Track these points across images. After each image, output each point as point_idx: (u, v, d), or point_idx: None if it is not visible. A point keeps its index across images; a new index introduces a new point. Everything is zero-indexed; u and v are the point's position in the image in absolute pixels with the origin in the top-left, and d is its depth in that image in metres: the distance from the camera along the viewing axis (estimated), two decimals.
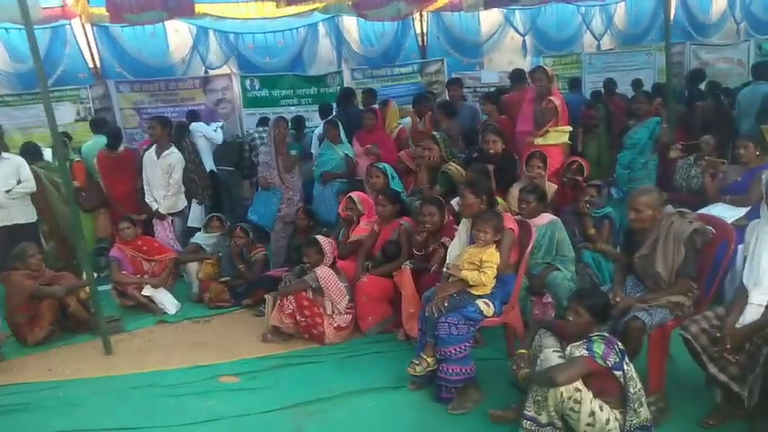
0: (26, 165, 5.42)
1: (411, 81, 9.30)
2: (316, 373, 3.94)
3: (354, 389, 3.64)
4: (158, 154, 5.85)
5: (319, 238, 4.46)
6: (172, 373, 4.09)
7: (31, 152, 5.93)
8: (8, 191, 5.20)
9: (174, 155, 5.88)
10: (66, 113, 8.17)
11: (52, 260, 5.65)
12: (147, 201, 5.94)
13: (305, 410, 3.46)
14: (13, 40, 7.87)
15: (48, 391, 3.92)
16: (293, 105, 8.78)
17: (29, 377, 4.16)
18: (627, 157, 5.56)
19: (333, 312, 4.28)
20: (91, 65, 8.35)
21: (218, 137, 7.17)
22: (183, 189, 5.97)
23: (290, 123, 6.47)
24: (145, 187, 5.95)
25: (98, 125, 7.14)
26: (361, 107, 7.05)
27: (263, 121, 7.65)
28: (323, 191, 6.03)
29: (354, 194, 4.94)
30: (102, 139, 6.58)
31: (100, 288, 5.34)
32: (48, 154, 6.41)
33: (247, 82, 8.69)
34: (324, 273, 4.25)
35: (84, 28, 8.09)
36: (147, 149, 6.03)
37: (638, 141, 5.47)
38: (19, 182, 5.28)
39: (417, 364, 3.39)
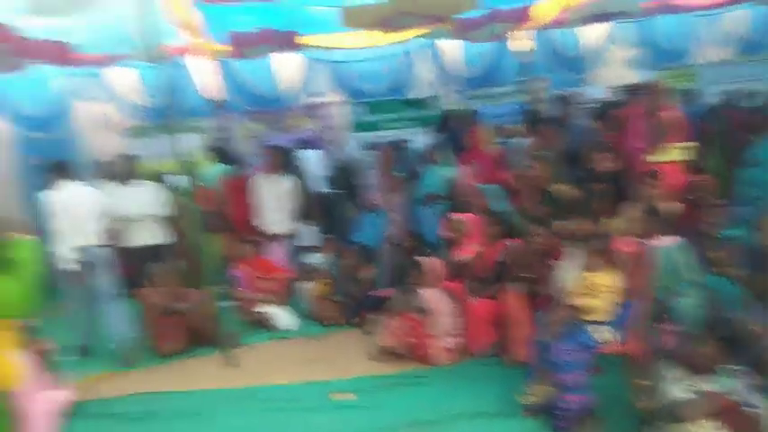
0: (163, 190, 5.97)
1: (513, 100, 9.23)
2: (427, 393, 4.00)
3: (464, 411, 3.67)
4: (271, 179, 6.24)
5: (423, 259, 4.54)
6: (289, 387, 4.31)
7: (163, 179, 6.53)
8: (147, 214, 5.75)
9: (286, 179, 6.25)
10: (191, 143, 8.89)
11: (183, 278, 6.16)
12: (260, 224, 6.31)
13: (420, 430, 3.53)
14: (148, 77, 8.68)
15: (175, 400, 4.27)
16: (395, 129, 8.99)
17: (159, 386, 4.52)
18: (752, 174, 5.21)
19: (441, 334, 4.33)
20: (212, 96, 9.00)
21: (321, 163, 7.53)
22: (295, 212, 6.29)
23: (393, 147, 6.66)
24: (258, 211, 6.34)
25: (218, 153, 7.71)
26: (460, 129, 7.10)
27: (368, 146, 7.94)
28: (425, 212, 6.13)
29: (456, 215, 4.99)
30: (221, 167, 7.11)
31: (223, 304, 5.77)
32: (176, 180, 7.04)
33: (353, 108, 9.03)
34: (430, 294, 4.33)
35: (206, 64, 8.77)
36: (259, 175, 6.44)
37: (764, 157, 5.12)
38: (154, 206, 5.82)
39: (531, 394, 3.35)
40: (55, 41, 6.39)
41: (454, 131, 6.93)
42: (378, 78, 9.25)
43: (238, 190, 6.54)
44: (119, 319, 4.99)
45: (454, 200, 5.98)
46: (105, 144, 8.73)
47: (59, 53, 6.59)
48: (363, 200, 6.41)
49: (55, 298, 5.00)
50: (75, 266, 4.95)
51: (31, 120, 8.34)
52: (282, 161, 6.42)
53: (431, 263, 4.58)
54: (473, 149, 6.19)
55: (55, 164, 5.24)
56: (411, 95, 9.34)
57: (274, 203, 6.19)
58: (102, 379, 4.78)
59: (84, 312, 5.09)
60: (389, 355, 4.53)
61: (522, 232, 4.60)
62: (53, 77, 8.20)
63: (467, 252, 4.84)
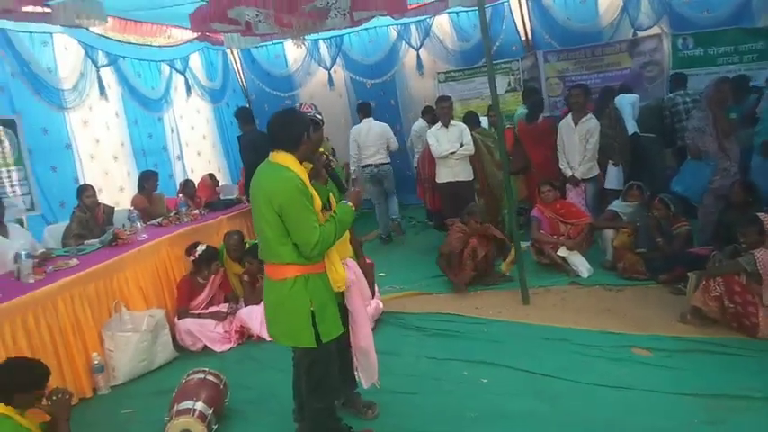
0: (468, 131, 6.28)
1: None
2: (743, 367, 3.50)
3: None
4: (575, 121, 5.98)
5: (763, 216, 3.86)
6: (584, 333, 4.21)
7: (471, 120, 6.84)
8: (453, 152, 6.13)
9: (591, 121, 5.93)
10: (498, 85, 9.04)
11: (481, 215, 6.47)
12: (561, 167, 6.17)
13: (723, 404, 3.15)
14: (462, 22, 9.05)
15: (474, 325, 4.58)
16: (733, 64, 7.67)
17: (460, 310, 4.90)
18: None
19: None
20: (523, 37, 8.95)
21: (638, 105, 6.94)
22: (597, 156, 5.96)
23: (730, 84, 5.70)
24: (559, 154, 6.18)
25: (527, 95, 7.69)
26: None
27: (679, 84, 7.04)
28: (763, 162, 5.16)
29: None
30: (527, 108, 7.12)
31: (522, 245, 5.89)
32: (484, 122, 7.30)
33: (679, 41, 7.97)
34: (764, 257, 3.69)
35: (519, 3, 8.72)
36: (564, 117, 6.23)
37: None
38: (461, 145, 6.16)
39: None
40: None
41: None
42: (714, 5, 7.95)
43: (537, 133, 6.47)
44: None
45: None
46: (423, 88, 9.52)
47: (397, 3, 7.24)
48: (685, 145, 5.69)
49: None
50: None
51: (365, 68, 9.56)
52: (586, 102, 6.09)
53: None
54: None
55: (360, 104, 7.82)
56: (761, 24, 7.79)
57: (576, 146, 5.96)
58: (409, 296, 5.40)
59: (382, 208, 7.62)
60: (701, 319, 4.06)
61: None
62: (386, 27, 9.20)
63: None
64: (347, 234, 3.11)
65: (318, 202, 2.76)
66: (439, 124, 6.29)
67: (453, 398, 3.52)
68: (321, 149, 3.17)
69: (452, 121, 6.31)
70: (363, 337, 3.13)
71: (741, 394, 3.21)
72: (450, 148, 6.15)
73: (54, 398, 2.86)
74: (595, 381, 3.52)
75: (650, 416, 3.11)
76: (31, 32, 6.23)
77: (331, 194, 3.03)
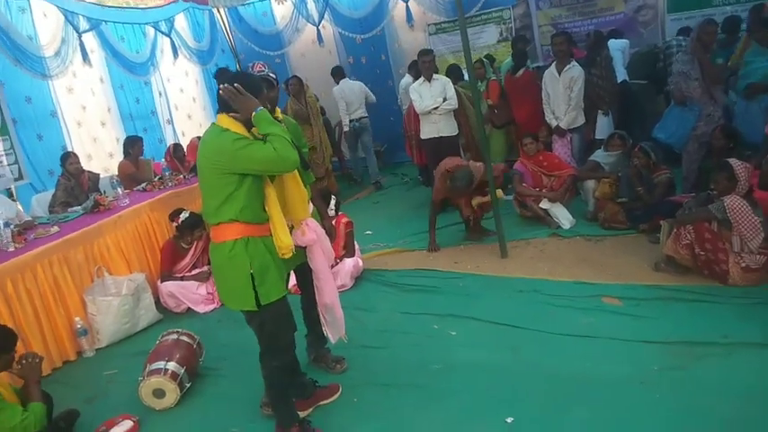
0: (451, 84, 6.19)
1: None
2: (710, 313, 3.51)
3: (754, 341, 3.14)
4: (559, 69, 5.85)
5: (733, 161, 3.79)
6: (557, 284, 4.25)
7: (454, 73, 6.72)
8: (436, 108, 6.06)
9: (574, 68, 5.81)
10: (490, 35, 8.88)
11: None
12: (546, 118, 6.07)
13: (690, 351, 3.16)
14: None
15: (451, 280, 4.63)
16: (730, 5, 7.40)
17: (439, 266, 4.94)
18: None
19: (741, 250, 3.68)
20: None
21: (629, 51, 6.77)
22: (582, 105, 5.85)
23: (720, 25, 5.54)
24: (544, 105, 6.07)
25: (516, 42, 7.50)
26: None
27: (684, 31, 6.79)
28: (747, 106, 5.05)
29: None
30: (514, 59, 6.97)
31: (503, 198, 5.86)
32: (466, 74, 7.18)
33: None
34: (734, 203, 3.64)
35: None
36: (548, 66, 6.09)
37: None
38: (444, 99, 6.08)
39: None
40: None
41: None
42: None
43: (521, 86, 6.35)
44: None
45: None
46: (413, 41, 9.33)
47: None
48: (670, 90, 5.56)
49: None
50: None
51: (354, 22, 9.37)
52: (569, 49, 5.96)
53: (742, 167, 3.81)
54: None
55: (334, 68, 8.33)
56: None
57: (561, 95, 5.85)
58: (389, 254, 5.46)
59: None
60: (675, 267, 4.06)
61: None
62: None
63: None
64: (305, 194, 3.09)
65: None
66: (421, 79, 6.20)
67: (420, 351, 3.59)
68: (279, 111, 3.15)
69: (435, 75, 6.20)
70: (328, 294, 3.16)
71: (705, 341, 3.23)
72: (432, 104, 6.07)
73: (23, 362, 2.96)
74: (561, 330, 3.56)
75: (611, 364, 3.15)
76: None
77: None
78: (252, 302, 2.68)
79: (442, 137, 6.16)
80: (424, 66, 6.10)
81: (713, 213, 3.75)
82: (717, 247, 3.76)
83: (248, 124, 2.65)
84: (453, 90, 6.12)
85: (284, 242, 2.76)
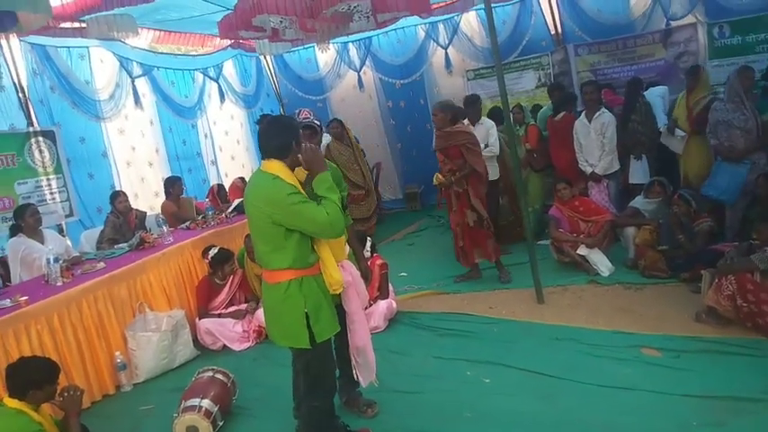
0: (495, 129, 6.24)
1: None
2: (752, 368, 3.39)
3: None
4: (589, 117, 5.87)
5: None
6: (595, 332, 4.17)
7: (497, 116, 6.78)
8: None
9: (605, 114, 5.84)
10: (529, 80, 8.97)
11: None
12: (580, 166, 6.05)
13: (731, 406, 3.05)
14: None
15: (486, 325, 4.59)
16: None
17: (474, 310, 4.91)
18: None
19: None
20: (552, 31, 8.81)
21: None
22: (616, 150, 5.82)
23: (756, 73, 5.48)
24: (577, 154, 6.06)
25: (552, 90, 7.56)
26: None
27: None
28: None
29: None
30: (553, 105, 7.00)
31: (540, 243, 5.83)
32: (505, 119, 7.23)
33: (715, 29, 7.66)
34: None
35: None
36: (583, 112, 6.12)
37: None
38: (486, 145, 6.13)
39: None
40: None
41: None
42: None
43: (562, 130, 6.35)
44: None
45: None
46: (452, 86, 9.50)
47: (419, 3, 7.26)
48: (714, 147, 5.47)
49: None
50: None
51: (394, 68, 9.63)
52: (600, 98, 6.04)
53: None
54: None
55: None
56: None
57: (594, 142, 5.84)
58: (423, 296, 5.46)
59: None
60: (716, 318, 3.94)
61: None
62: (414, 27, 9.24)
63: None
64: (343, 237, 3.16)
65: None
66: (466, 121, 6.24)
67: (453, 397, 3.55)
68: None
69: (481, 119, 6.30)
70: (360, 338, 3.20)
71: (746, 396, 3.11)
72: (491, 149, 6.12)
73: (65, 394, 3.05)
74: (598, 381, 3.48)
75: (648, 417, 3.06)
76: (68, 47, 6.60)
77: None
78: (306, 341, 2.79)
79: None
80: (469, 112, 6.20)
81: (755, 264, 3.65)
82: (760, 299, 3.65)
83: (294, 167, 2.80)
84: (496, 136, 6.18)
85: (335, 278, 2.86)
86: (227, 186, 7.80)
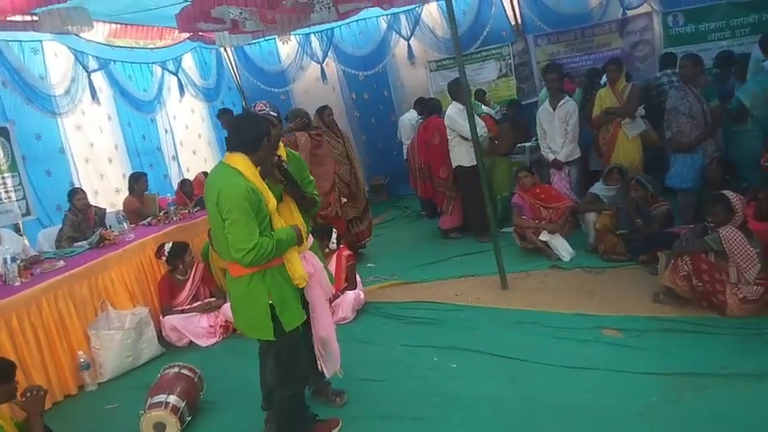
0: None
1: None
2: (709, 345, 3.52)
3: (754, 372, 3.13)
4: (553, 105, 5.97)
5: (728, 193, 3.84)
6: (557, 315, 4.27)
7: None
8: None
9: (569, 103, 5.95)
10: (490, 71, 9.07)
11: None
12: (542, 152, 6.17)
13: (689, 382, 3.16)
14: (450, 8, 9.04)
15: (451, 312, 4.65)
16: (725, 39, 7.57)
17: (440, 298, 4.98)
18: None
19: (738, 281, 3.70)
20: (513, 22, 8.91)
21: None
22: (578, 138, 5.94)
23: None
24: (540, 140, 6.18)
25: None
26: None
27: (667, 63, 6.94)
28: (745, 136, 5.12)
29: None
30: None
31: (504, 230, 5.92)
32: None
33: (670, 18, 7.88)
34: (729, 234, 3.68)
35: None
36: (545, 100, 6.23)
37: None
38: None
39: None
40: None
41: None
42: None
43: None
44: None
45: None
46: (415, 77, 9.54)
47: None
48: (666, 141, 5.64)
49: None
50: None
51: (357, 60, 9.61)
52: (562, 85, 6.12)
53: (738, 198, 3.86)
54: None
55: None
56: None
57: (557, 129, 5.95)
58: (391, 286, 5.50)
59: None
60: (674, 298, 4.08)
61: None
62: (376, 18, 9.22)
63: None
64: (304, 227, 3.15)
65: (273, 201, 2.83)
66: (462, 107, 6.17)
67: (421, 383, 3.60)
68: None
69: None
70: (323, 328, 3.21)
71: (704, 372, 3.23)
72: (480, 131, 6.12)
73: (28, 394, 2.98)
74: (561, 362, 3.57)
75: (610, 396, 3.15)
76: (20, 41, 6.37)
77: (287, 194, 3.07)
78: (270, 332, 2.80)
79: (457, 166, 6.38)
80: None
81: (709, 245, 3.78)
82: (714, 279, 3.79)
83: (262, 167, 2.78)
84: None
85: (298, 272, 2.87)
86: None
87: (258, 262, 2.66)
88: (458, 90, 6.13)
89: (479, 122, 6.17)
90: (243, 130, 2.79)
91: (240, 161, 2.74)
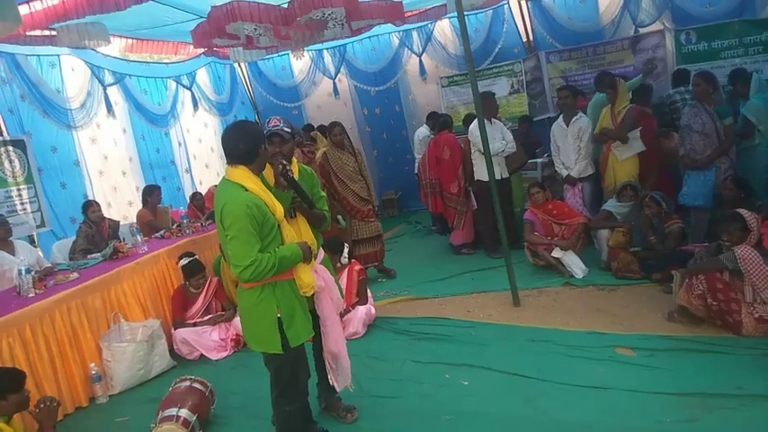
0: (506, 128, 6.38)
1: None
2: (724, 365, 3.47)
3: None
4: (567, 121, 5.98)
5: (743, 212, 3.82)
6: (570, 334, 4.22)
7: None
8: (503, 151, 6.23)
9: (582, 119, 5.96)
10: (502, 87, 9.08)
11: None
12: (556, 168, 6.17)
13: (703, 402, 3.12)
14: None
15: (463, 328, 4.62)
16: (738, 57, 7.56)
17: (451, 314, 4.96)
18: None
19: (754, 300, 3.66)
20: (524, 39, 8.95)
21: None
22: (591, 154, 5.94)
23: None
24: (553, 156, 6.17)
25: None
26: None
27: (680, 80, 6.91)
28: (758, 154, 5.09)
29: None
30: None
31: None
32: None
33: (682, 36, 7.88)
34: (745, 253, 3.65)
35: (519, 4, 8.72)
36: (555, 118, 6.24)
37: None
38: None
39: None
40: (389, 2, 7.11)
41: None
42: None
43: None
44: None
45: None
46: (426, 93, 9.59)
47: (393, 11, 7.30)
48: (680, 159, 5.60)
49: None
50: None
51: (369, 76, 9.68)
52: (575, 102, 6.12)
53: (753, 217, 3.83)
54: None
55: None
56: (764, 15, 7.66)
57: (571, 145, 5.95)
58: (402, 301, 5.48)
59: None
60: (688, 317, 4.03)
61: None
62: (388, 35, 9.31)
63: None
64: (315, 241, 3.15)
65: (280, 209, 2.83)
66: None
67: (432, 401, 3.56)
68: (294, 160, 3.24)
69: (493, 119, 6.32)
70: (334, 343, 3.20)
71: (718, 392, 3.18)
72: (500, 146, 6.15)
73: (41, 405, 3.00)
74: (573, 381, 3.52)
75: (624, 416, 3.11)
76: (38, 55, 6.49)
77: (298, 204, 3.06)
78: (278, 346, 2.79)
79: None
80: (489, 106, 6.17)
81: (724, 263, 3.75)
82: (729, 298, 3.75)
83: (259, 172, 2.80)
84: (510, 133, 6.32)
85: (304, 281, 2.86)
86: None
87: (258, 278, 2.65)
88: (484, 104, 6.13)
89: (507, 136, 6.20)
90: (236, 141, 2.74)
91: (241, 174, 2.73)
